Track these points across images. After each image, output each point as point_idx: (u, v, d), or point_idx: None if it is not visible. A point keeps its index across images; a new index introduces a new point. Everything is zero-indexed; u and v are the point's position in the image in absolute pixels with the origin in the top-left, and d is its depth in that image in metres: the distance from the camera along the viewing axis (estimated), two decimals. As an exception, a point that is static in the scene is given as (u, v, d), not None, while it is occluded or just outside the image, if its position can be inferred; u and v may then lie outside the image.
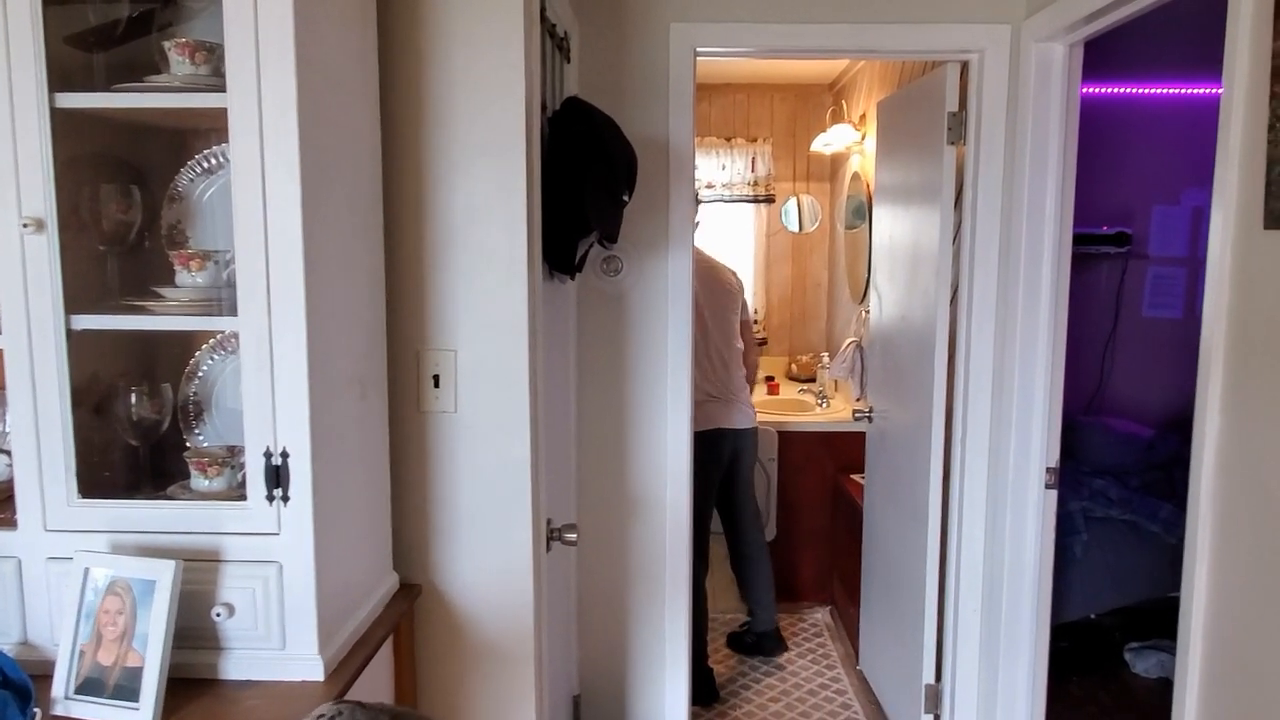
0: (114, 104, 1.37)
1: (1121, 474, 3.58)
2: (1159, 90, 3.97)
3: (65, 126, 1.36)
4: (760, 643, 3.67)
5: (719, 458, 3.38)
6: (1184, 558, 1.70)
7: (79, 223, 1.43)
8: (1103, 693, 3.37)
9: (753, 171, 5.05)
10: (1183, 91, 3.95)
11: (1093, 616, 3.45)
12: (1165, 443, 3.65)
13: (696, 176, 4.00)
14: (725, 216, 5.12)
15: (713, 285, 3.35)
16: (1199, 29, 3.16)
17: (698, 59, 2.56)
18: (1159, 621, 3.50)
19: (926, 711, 2.82)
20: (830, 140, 4.49)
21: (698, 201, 3.20)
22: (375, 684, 1.63)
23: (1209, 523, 1.64)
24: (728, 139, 5.05)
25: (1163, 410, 3.89)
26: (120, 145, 1.56)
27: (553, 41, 2.09)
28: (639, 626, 2.74)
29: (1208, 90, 3.88)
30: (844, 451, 3.96)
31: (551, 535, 1.99)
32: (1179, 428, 3.47)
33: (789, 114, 5.09)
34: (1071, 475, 3.39)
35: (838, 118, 4.59)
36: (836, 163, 4.94)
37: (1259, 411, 1.51)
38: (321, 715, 0.89)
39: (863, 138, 4.31)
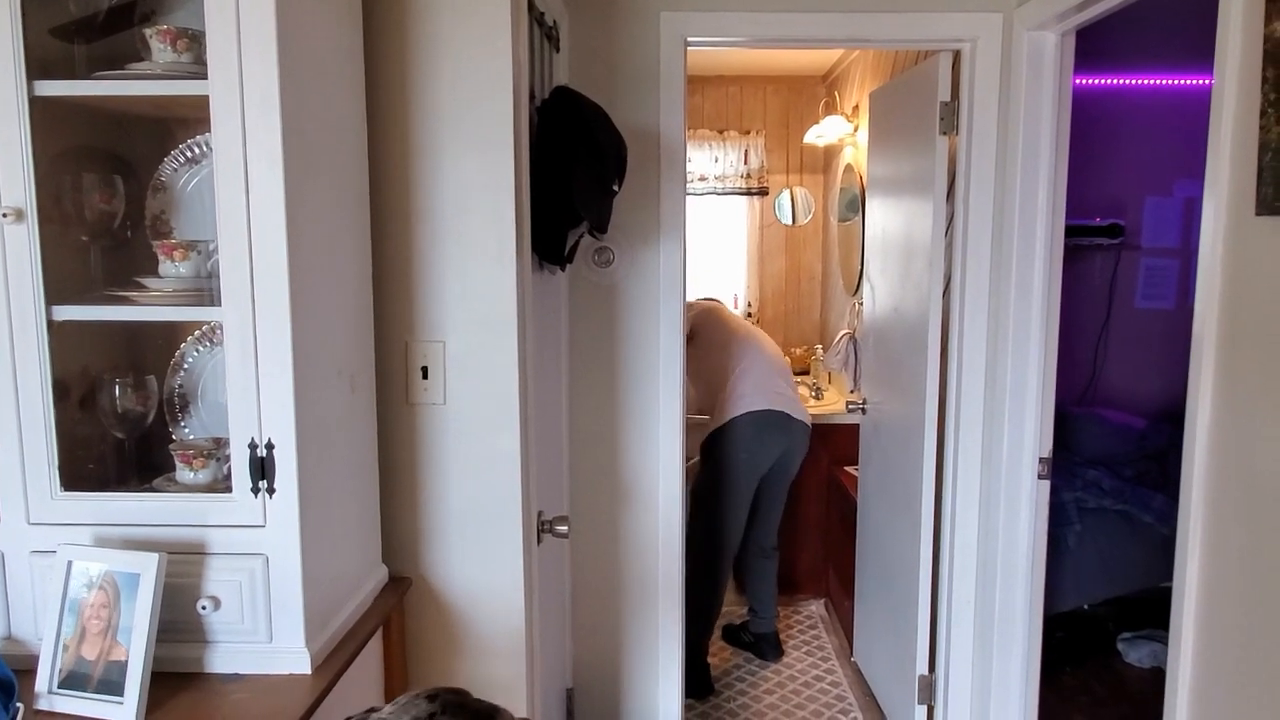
0: (94, 92, 1.36)
1: (1114, 464, 3.58)
2: (1151, 81, 3.96)
3: (47, 116, 1.34)
4: (758, 644, 3.65)
5: (772, 445, 3.35)
6: (1176, 548, 1.69)
7: (61, 213, 1.41)
8: (1096, 683, 3.37)
9: (745, 164, 5.03)
10: (1175, 82, 3.94)
11: (1086, 607, 3.46)
12: (1158, 433, 3.65)
13: (689, 169, 3.98)
14: (718, 210, 5.11)
15: (736, 319, 3.65)
16: (1190, 18, 3.16)
17: (689, 49, 2.54)
18: (1152, 611, 3.51)
19: (920, 702, 2.82)
20: (823, 132, 4.48)
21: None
22: (364, 677, 1.62)
23: (1201, 512, 1.64)
24: (720, 131, 5.04)
25: (1156, 401, 3.89)
26: (105, 135, 1.55)
27: (541, 30, 2.08)
28: (632, 619, 2.73)
29: (1199, 81, 3.88)
30: (838, 443, 3.95)
31: (542, 528, 1.98)
32: (1172, 418, 3.48)
33: (782, 106, 5.07)
34: (1065, 466, 3.39)
35: (830, 109, 4.58)
36: (830, 155, 4.93)
37: (1251, 401, 1.51)
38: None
39: (855, 129, 4.30)
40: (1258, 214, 1.44)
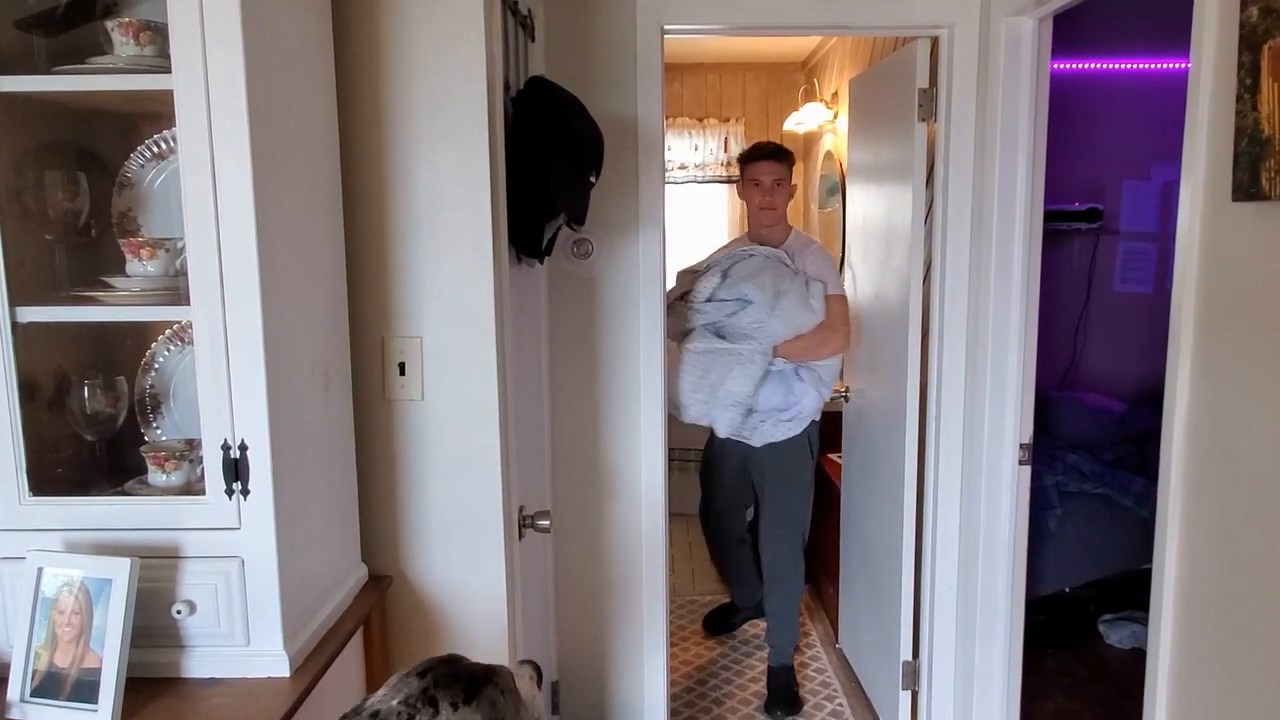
0: (55, 87, 1.32)
1: (1094, 448, 3.60)
2: (1129, 65, 3.97)
3: (10, 112, 1.31)
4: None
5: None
6: (1155, 530, 1.70)
7: (23, 212, 1.38)
8: (1078, 664, 3.41)
9: (726, 152, 5.02)
10: (1152, 66, 3.96)
11: (1067, 590, 3.49)
12: (1137, 416, 3.67)
13: (669, 158, 3.94)
14: (699, 198, 5.09)
15: None
16: (1168, 1, 3.16)
17: (665, 37, 2.52)
18: (1132, 593, 3.55)
19: (905, 688, 2.83)
20: (803, 119, 4.47)
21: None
22: (345, 678, 1.60)
23: (1179, 494, 1.65)
24: (700, 119, 5.02)
25: (1135, 384, 3.92)
26: (69, 131, 1.51)
27: (515, 19, 2.05)
28: (617, 612, 2.73)
29: (1177, 65, 3.89)
30: (821, 430, 3.95)
31: (524, 523, 1.96)
32: (1151, 401, 3.50)
33: (761, 93, 5.06)
34: (1045, 450, 3.41)
35: (810, 96, 4.57)
36: (809, 142, 4.92)
37: (1227, 383, 1.51)
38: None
39: (835, 116, 4.29)
40: (1234, 200, 1.44)
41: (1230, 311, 1.50)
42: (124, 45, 1.34)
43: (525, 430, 2.14)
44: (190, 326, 1.42)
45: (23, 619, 1.28)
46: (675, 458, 3.97)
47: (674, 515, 2.98)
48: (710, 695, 3.26)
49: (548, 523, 2.00)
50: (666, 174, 2.64)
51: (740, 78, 5.02)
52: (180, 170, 1.28)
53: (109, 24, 1.35)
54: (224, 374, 1.31)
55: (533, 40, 2.32)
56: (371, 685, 1.70)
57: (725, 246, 3.29)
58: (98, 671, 1.24)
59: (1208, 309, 1.56)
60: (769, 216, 3.09)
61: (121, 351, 1.56)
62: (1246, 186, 1.40)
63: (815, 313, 2.93)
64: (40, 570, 1.28)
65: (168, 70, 1.27)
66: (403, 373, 1.72)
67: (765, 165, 3.05)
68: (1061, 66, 3.80)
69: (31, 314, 1.33)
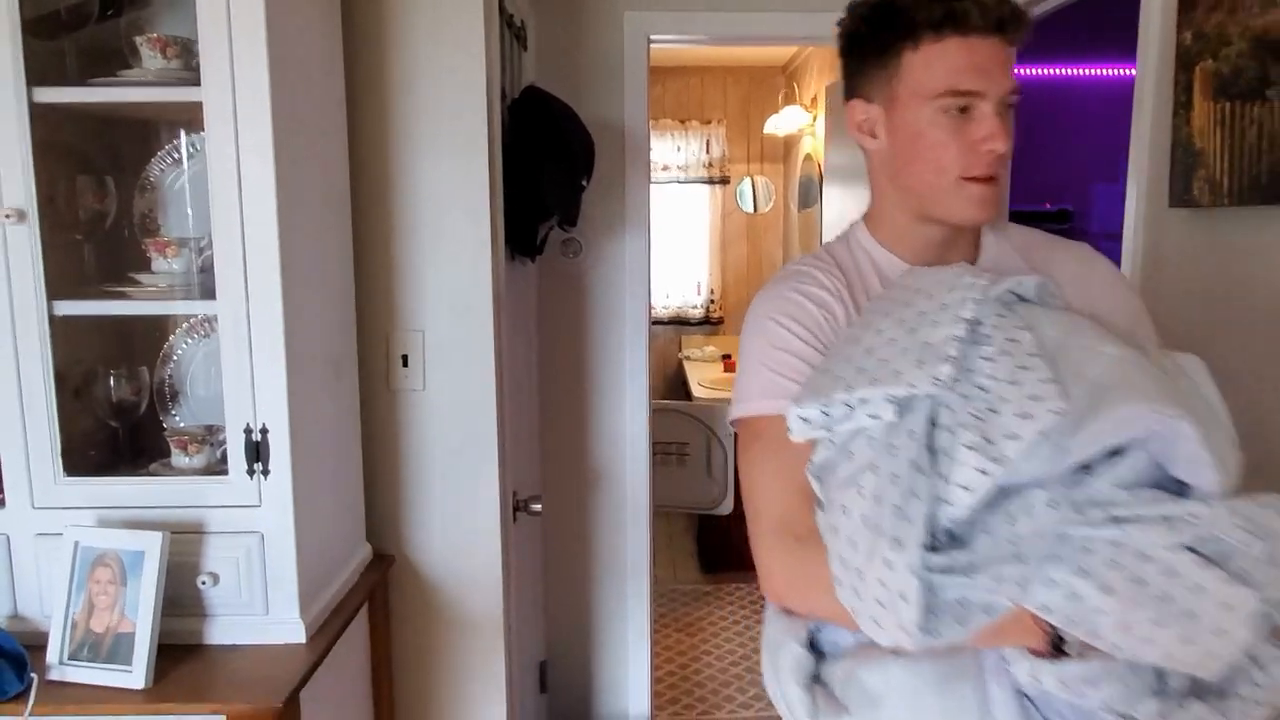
0: (91, 99, 1.42)
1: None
2: (1098, 70, 4.13)
3: (40, 119, 1.41)
4: None
5: None
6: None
7: (55, 213, 1.48)
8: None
9: (707, 153, 5.14)
10: (1121, 72, 4.12)
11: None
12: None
13: (652, 159, 4.06)
14: (681, 198, 5.21)
15: None
16: (1132, 11, 3.31)
17: (651, 46, 2.64)
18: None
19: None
20: (782, 122, 4.60)
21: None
22: (353, 648, 1.72)
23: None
24: (682, 121, 5.14)
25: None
26: (92, 136, 1.61)
27: (511, 31, 2.16)
28: (603, 594, 2.85)
29: (1140, 72, 4.05)
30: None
31: (518, 506, 2.08)
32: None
33: (742, 96, 5.19)
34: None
35: (790, 100, 4.70)
36: (789, 144, 5.05)
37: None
38: None
39: (814, 120, 4.43)
40: (1170, 205, 1.58)
41: (1169, 307, 1.64)
42: (151, 59, 1.45)
43: (518, 418, 2.25)
44: (209, 320, 1.54)
45: (61, 588, 1.38)
46: (658, 451, 4.09)
47: (655, 508, 3.10)
48: (693, 679, 3.38)
49: (540, 506, 2.12)
50: (650, 175, 2.76)
51: (722, 81, 5.15)
52: (207, 175, 1.39)
53: (137, 39, 1.45)
54: (247, 363, 1.41)
55: (525, 49, 2.43)
56: (375, 656, 1.82)
57: (825, 256, 1.23)
58: (132, 636, 1.34)
59: (1150, 305, 1.70)
60: (988, 195, 1.08)
61: (142, 344, 1.66)
62: (1181, 194, 1.54)
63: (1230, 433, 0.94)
64: (77, 544, 1.39)
65: (192, 82, 1.38)
66: (405, 364, 1.83)
67: (987, 46, 1.04)
68: (1033, 71, 3.95)
69: (68, 308, 1.43)
